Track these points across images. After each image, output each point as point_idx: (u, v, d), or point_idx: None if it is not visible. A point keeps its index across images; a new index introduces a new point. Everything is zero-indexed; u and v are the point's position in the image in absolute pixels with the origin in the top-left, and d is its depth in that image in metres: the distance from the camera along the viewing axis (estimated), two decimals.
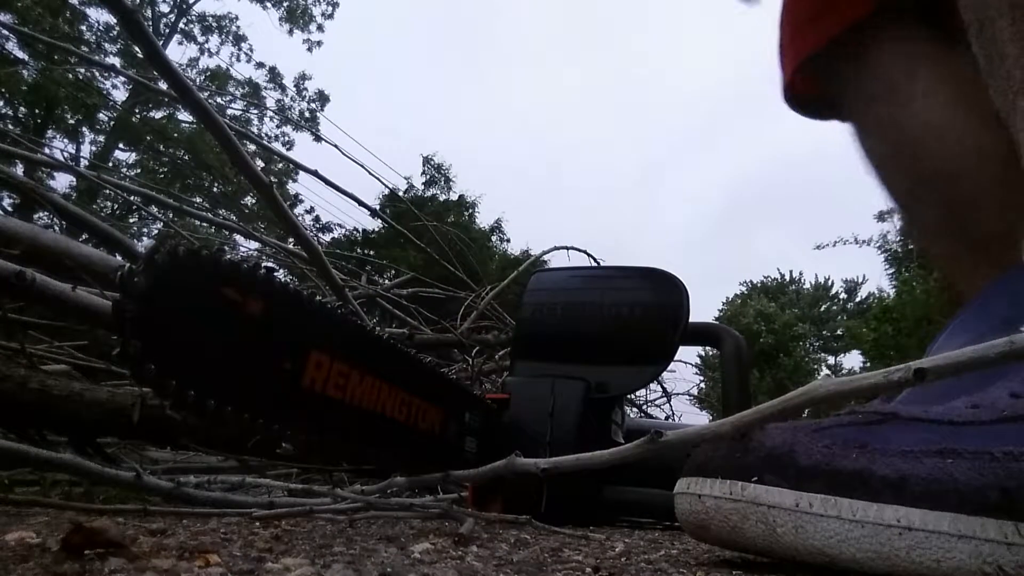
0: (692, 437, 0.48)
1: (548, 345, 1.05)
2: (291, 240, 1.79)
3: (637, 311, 1.03)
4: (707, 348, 1.17)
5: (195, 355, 0.42)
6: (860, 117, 0.67)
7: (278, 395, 0.49)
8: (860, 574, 0.41)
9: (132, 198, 2.57)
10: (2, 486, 0.77)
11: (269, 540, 0.41)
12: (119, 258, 1.66)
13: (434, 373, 0.82)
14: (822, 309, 16.19)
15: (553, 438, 0.95)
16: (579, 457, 0.55)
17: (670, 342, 1.00)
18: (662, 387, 2.71)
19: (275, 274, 0.48)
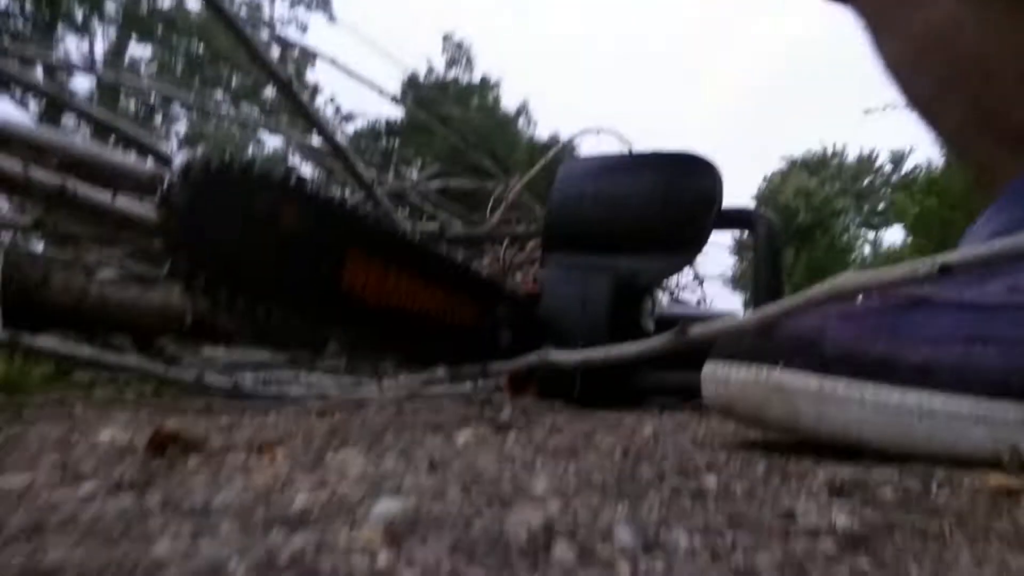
0: (719, 330, 0.49)
1: (578, 236, 1.05)
2: (315, 134, 1.77)
3: (668, 198, 1.01)
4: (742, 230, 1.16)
5: (240, 263, 0.44)
6: (879, 15, 0.61)
7: (321, 298, 0.51)
8: (876, 453, 0.43)
9: (153, 99, 2.55)
10: (83, 388, 0.85)
11: (326, 434, 0.45)
12: (151, 164, 1.68)
13: (467, 269, 0.84)
14: (865, 183, 15.52)
15: (585, 329, 0.97)
16: (609, 350, 0.57)
17: (701, 230, 0.99)
18: (694, 271, 2.71)
19: (307, 180, 0.48)
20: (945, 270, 0.38)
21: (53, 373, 0.89)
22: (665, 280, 1.06)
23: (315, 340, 0.50)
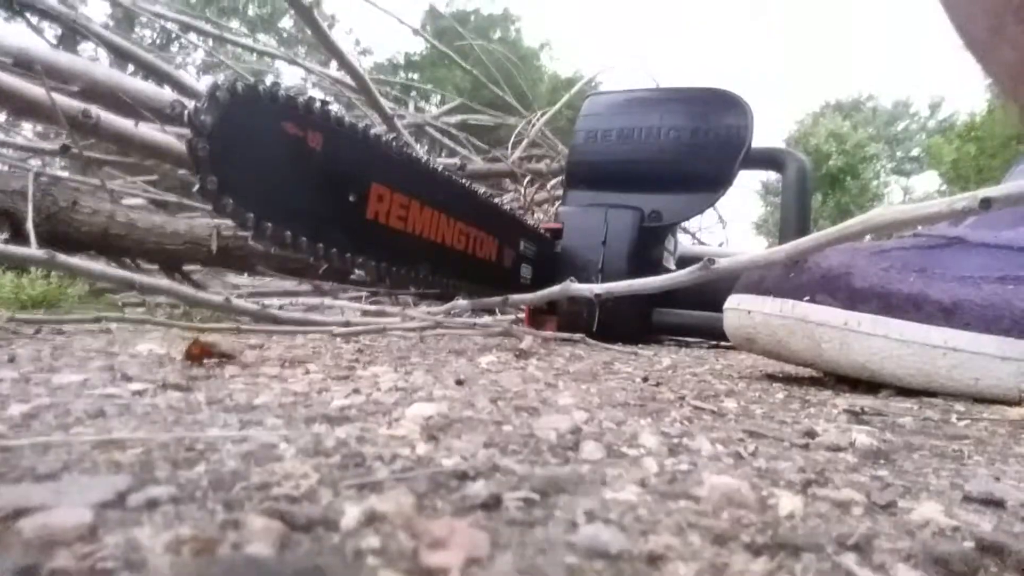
0: (745, 264, 0.49)
1: (602, 173, 1.04)
2: (334, 66, 1.73)
3: (697, 136, 0.98)
4: (770, 173, 1.13)
5: (267, 189, 0.44)
6: None
7: (346, 226, 0.51)
8: (897, 388, 0.44)
9: (170, 25, 2.49)
10: (117, 308, 0.87)
11: (354, 353, 0.46)
12: (169, 91, 1.67)
13: (489, 204, 0.83)
14: (899, 128, 14.95)
15: (605, 266, 0.97)
16: (632, 283, 0.57)
17: (730, 168, 0.97)
18: (716, 213, 2.66)
19: (331, 108, 0.48)
20: (986, 204, 0.37)
21: (86, 294, 0.92)
22: (688, 220, 1.04)
23: (340, 267, 0.51)
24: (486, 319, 0.94)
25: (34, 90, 1.06)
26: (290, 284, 1.49)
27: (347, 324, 0.78)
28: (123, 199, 1.36)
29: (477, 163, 1.81)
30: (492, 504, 0.15)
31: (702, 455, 0.21)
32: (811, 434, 0.27)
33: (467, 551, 0.12)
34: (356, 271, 0.55)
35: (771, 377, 0.49)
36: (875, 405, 0.37)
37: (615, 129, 1.03)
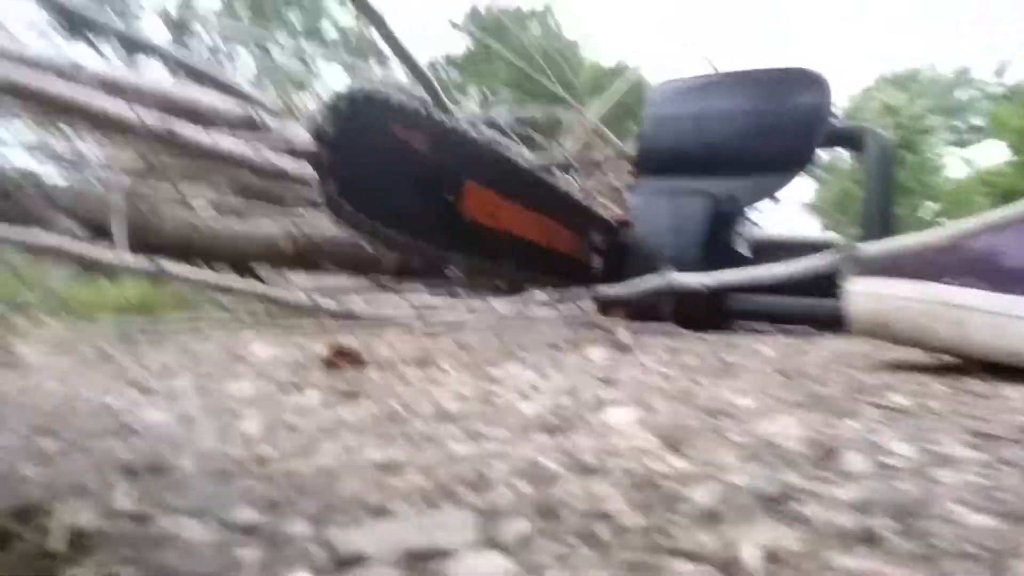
0: (899, 250, 0.46)
1: (674, 160, 1.02)
2: (396, 69, 1.76)
3: (771, 117, 0.95)
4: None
5: (380, 192, 0.45)
6: None
7: (445, 223, 0.52)
8: None
9: (221, 43, 2.57)
10: (201, 309, 0.90)
11: (458, 350, 0.47)
12: (234, 101, 1.72)
13: (567, 197, 0.83)
14: (962, 98, 14.14)
15: (675, 254, 0.96)
16: (752, 272, 0.54)
17: (807, 147, 0.94)
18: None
19: (433, 109, 0.48)
20: None
21: (176, 297, 0.96)
22: (761, 201, 1.01)
23: (438, 264, 0.52)
24: (557, 310, 0.93)
25: (119, 109, 1.12)
26: (344, 280, 1.51)
27: (420, 318, 0.80)
28: (199, 206, 1.41)
29: (533, 157, 1.81)
30: (870, 537, 0.14)
31: (972, 462, 0.20)
32: None
33: None
34: (451, 268, 0.56)
35: (897, 366, 0.47)
36: None
37: (687, 115, 1.01)
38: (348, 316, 0.84)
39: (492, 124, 2.04)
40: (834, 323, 1.02)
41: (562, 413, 0.25)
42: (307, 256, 1.27)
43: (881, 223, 0.95)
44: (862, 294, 0.46)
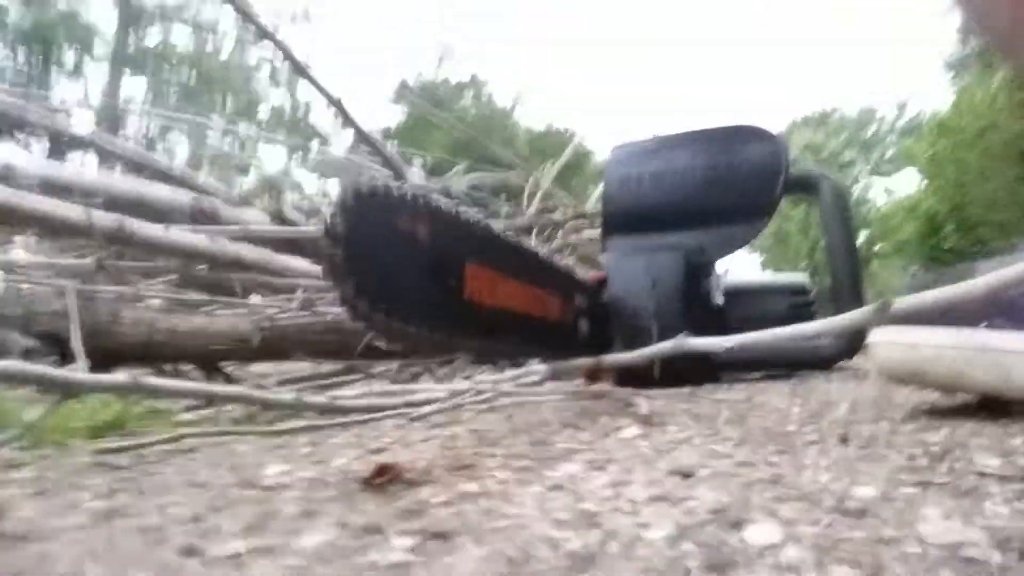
0: (933, 303, 0.45)
1: (640, 217, 1.04)
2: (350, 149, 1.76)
3: (731, 170, 0.99)
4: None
5: (392, 287, 0.43)
6: None
7: (451, 308, 0.51)
8: None
9: (151, 126, 2.54)
10: (175, 419, 0.84)
11: (483, 445, 0.44)
12: (184, 192, 1.68)
13: (551, 264, 0.83)
14: (870, 133, 15.34)
15: (658, 310, 0.96)
16: (775, 332, 0.53)
17: (769, 196, 0.98)
18: None
19: (430, 196, 0.48)
20: None
21: (145, 409, 0.89)
22: (733, 252, 1.04)
23: (446, 350, 0.50)
24: (543, 384, 0.91)
25: (67, 209, 1.07)
26: (306, 366, 1.44)
27: (410, 406, 0.76)
28: (152, 302, 1.35)
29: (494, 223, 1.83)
30: None
31: None
32: None
33: None
34: (458, 351, 0.54)
35: (913, 411, 0.47)
36: None
37: (647, 174, 1.04)
38: (336, 411, 0.80)
39: (447, 194, 2.06)
40: (816, 364, 1.04)
41: (697, 538, 0.23)
42: (273, 346, 1.22)
43: (847, 260, 0.99)
44: (891, 343, 0.46)
